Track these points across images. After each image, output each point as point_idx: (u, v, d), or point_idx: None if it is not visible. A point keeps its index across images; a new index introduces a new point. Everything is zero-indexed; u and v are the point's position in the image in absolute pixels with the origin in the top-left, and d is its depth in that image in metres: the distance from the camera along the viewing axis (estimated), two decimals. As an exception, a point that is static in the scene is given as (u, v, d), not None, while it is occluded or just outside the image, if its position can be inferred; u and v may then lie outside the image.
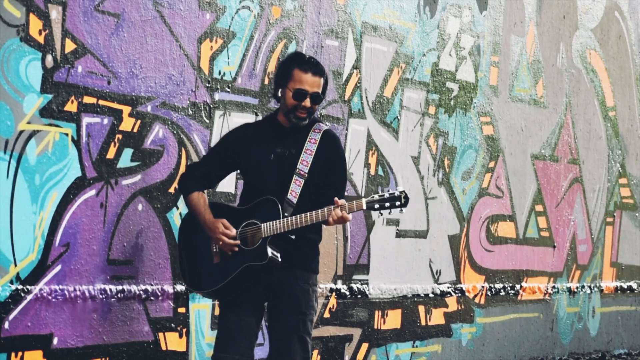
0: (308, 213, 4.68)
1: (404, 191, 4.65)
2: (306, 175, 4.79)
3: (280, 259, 4.75)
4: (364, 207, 4.66)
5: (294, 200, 4.76)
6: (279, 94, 4.85)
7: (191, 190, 4.92)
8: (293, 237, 4.76)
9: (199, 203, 4.88)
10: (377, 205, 4.66)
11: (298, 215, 4.69)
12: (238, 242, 4.77)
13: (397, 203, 4.65)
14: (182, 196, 5.15)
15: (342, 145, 5.00)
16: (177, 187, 5.13)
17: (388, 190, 4.71)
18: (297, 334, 4.79)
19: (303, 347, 4.81)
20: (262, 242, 4.74)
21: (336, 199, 4.66)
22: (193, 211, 4.91)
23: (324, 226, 4.88)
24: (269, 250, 4.72)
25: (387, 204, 4.66)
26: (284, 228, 4.70)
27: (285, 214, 4.72)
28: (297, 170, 4.79)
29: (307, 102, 4.79)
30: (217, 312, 5.89)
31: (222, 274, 4.81)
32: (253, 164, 4.86)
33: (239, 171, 5.17)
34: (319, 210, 4.68)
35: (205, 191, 4.97)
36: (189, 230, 4.98)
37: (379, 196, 4.67)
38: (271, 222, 4.72)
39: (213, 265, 4.85)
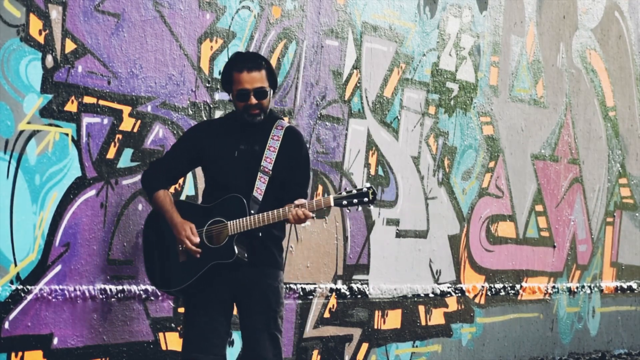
0: (269, 212, 4.71)
1: (371, 187, 4.69)
2: (270, 172, 4.81)
3: (246, 257, 4.77)
4: (332, 203, 4.69)
5: (260, 198, 4.78)
6: (230, 98, 4.94)
7: (156, 188, 4.94)
8: (260, 234, 4.78)
9: (165, 202, 4.90)
10: (345, 202, 4.69)
11: (266, 213, 4.71)
12: (199, 250, 4.78)
13: (365, 199, 4.67)
14: (146, 193, 5.15)
15: (305, 141, 5.04)
16: (141, 183, 5.11)
17: (355, 187, 4.75)
18: (267, 331, 4.81)
19: (274, 344, 4.82)
20: (228, 240, 4.75)
21: (297, 201, 4.68)
22: (159, 210, 4.92)
23: (323, 225, 4.89)
24: (236, 248, 4.73)
25: (355, 200, 4.67)
26: (251, 225, 4.72)
27: (252, 212, 4.74)
28: (262, 167, 4.82)
29: (252, 100, 4.81)
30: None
31: (189, 273, 4.82)
32: (217, 160, 4.87)
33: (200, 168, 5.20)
34: (280, 209, 4.71)
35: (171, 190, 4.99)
36: (154, 228, 4.99)
37: (347, 192, 4.70)
38: (238, 220, 4.74)
39: (179, 264, 4.85)
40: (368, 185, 4.71)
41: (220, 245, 4.77)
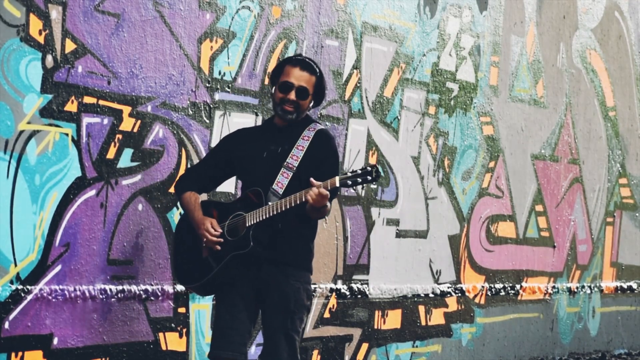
0: (287, 197, 4.68)
1: (375, 165, 4.67)
2: (294, 168, 4.81)
3: (265, 248, 4.75)
4: (337, 184, 4.65)
5: (280, 191, 4.77)
6: (273, 91, 4.91)
7: (184, 191, 4.98)
8: (280, 225, 4.76)
9: (189, 202, 4.94)
10: (350, 182, 4.66)
11: (279, 201, 4.70)
12: (219, 240, 4.79)
13: (369, 177, 4.65)
14: (177, 197, 5.18)
15: (336, 144, 5.02)
16: (174, 187, 5.14)
17: (361, 167, 4.74)
18: (284, 331, 4.79)
19: (290, 345, 4.81)
20: (246, 230, 4.76)
21: (311, 179, 4.65)
22: (185, 209, 4.98)
23: (323, 225, 4.88)
24: (252, 238, 4.73)
25: (359, 179, 4.66)
26: (267, 214, 4.71)
27: (269, 203, 4.73)
28: (286, 163, 4.82)
29: (291, 95, 4.82)
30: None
31: (210, 267, 4.83)
32: (247, 163, 4.90)
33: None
34: (297, 193, 4.67)
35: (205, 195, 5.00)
36: (183, 230, 5.02)
37: (352, 172, 4.68)
38: (255, 211, 4.74)
39: (202, 259, 4.87)
40: (372, 164, 4.72)
41: (239, 237, 4.78)
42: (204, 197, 5.20)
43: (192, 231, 4.93)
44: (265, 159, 4.86)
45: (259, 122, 6.05)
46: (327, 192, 4.64)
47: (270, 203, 4.73)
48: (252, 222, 4.75)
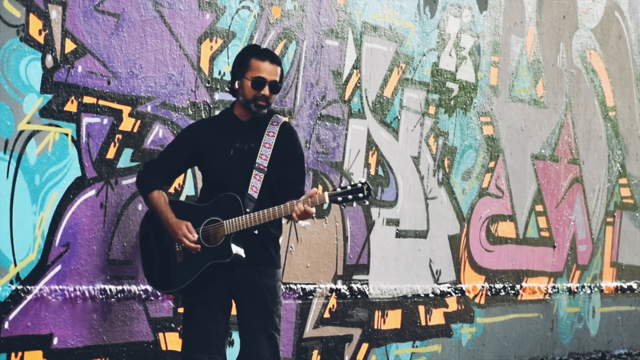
0: (271, 209, 4.68)
1: (366, 182, 4.66)
2: (266, 169, 4.80)
3: (244, 255, 4.76)
4: (327, 200, 4.66)
5: (255, 196, 4.77)
6: (236, 86, 4.87)
7: (151, 189, 4.93)
8: (256, 232, 4.76)
9: (159, 202, 4.89)
10: (340, 198, 4.66)
11: (261, 211, 4.69)
12: (198, 247, 4.78)
13: (360, 195, 4.65)
14: (141, 194, 5.13)
15: (299, 138, 5.03)
16: (136, 184, 5.10)
17: (350, 182, 4.72)
18: (265, 330, 4.80)
19: (272, 344, 4.82)
20: (225, 239, 4.74)
21: (313, 190, 4.68)
22: (154, 210, 4.91)
23: (323, 225, 4.88)
24: (233, 247, 4.72)
25: (350, 196, 4.66)
26: (247, 224, 4.70)
27: (247, 210, 4.73)
28: (257, 164, 4.80)
29: (265, 91, 4.81)
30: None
31: (187, 273, 4.81)
32: (213, 159, 4.86)
33: (197, 167, 5.17)
34: (282, 205, 4.68)
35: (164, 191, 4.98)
36: (150, 229, 4.98)
37: (341, 189, 4.67)
38: (234, 219, 4.72)
39: (177, 264, 4.85)
40: (363, 180, 4.69)
41: (217, 244, 4.76)
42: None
43: (160, 232, 4.88)
44: (232, 156, 4.83)
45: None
46: (314, 210, 4.66)
47: (248, 210, 4.72)
48: (232, 231, 4.73)
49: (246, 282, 4.81)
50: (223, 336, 4.86)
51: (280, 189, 4.83)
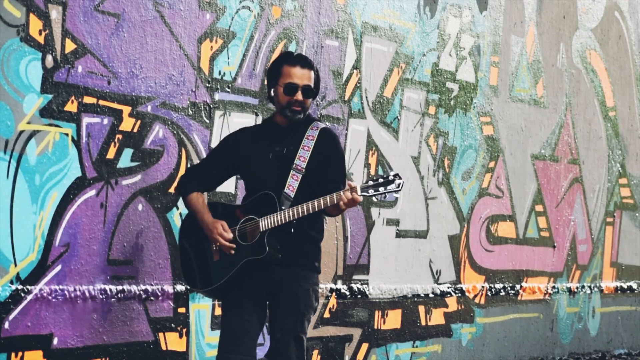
0: (308, 202, 4.66)
1: (397, 174, 4.66)
2: (303, 170, 4.79)
3: (280, 253, 4.75)
4: (359, 192, 4.66)
5: (291, 194, 4.76)
6: (272, 94, 4.88)
7: (189, 191, 4.93)
8: (292, 230, 4.75)
9: (197, 203, 4.90)
10: (371, 191, 4.67)
11: (296, 207, 4.68)
12: (233, 245, 4.78)
13: (391, 187, 4.65)
14: (180, 197, 5.15)
15: (340, 142, 5.01)
16: (175, 188, 5.12)
17: (382, 175, 4.71)
18: (294, 333, 4.79)
19: (299, 347, 4.81)
20: (260, 236, 4.74)
21: (349, 182, 4.65)
22: (192, 211, 4.92)
23: (324, 226, 4.86)
24: (267, 244, 4.72)
25: (381, 189, 4.66)
26: (282, 220, 4.70)
27: (282, 207, 4.72)
28: (294, 165, 4.80)
29: (298, 96, 4.81)
30: (217, 312, 5.89)
31: (223, 271, 4.81)
32: (252, 164, 4.87)
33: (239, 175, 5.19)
34: (319, 198, 4.65)
35: (205, 193, 4.98)
36: (189, 231, 4.99)
37: (374, 181, 4.67)
38: (270, 216, 4.72)
39: (214, 263, 4.86)
40: (394, 172, 4.69)
41: (253, 242, 4.76)
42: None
43: (199, 234, 4.89)
44: (271, 160, 4.84)
45: (259, 122, 6.04)
46: (361, 198, 4.64)
47: (283, 207, 4.72)
48: (268, 228, 4.73)
49: (280, 283, 4.80)
50: (254, 337, 4.83)
51: (320, 187, 4.80)
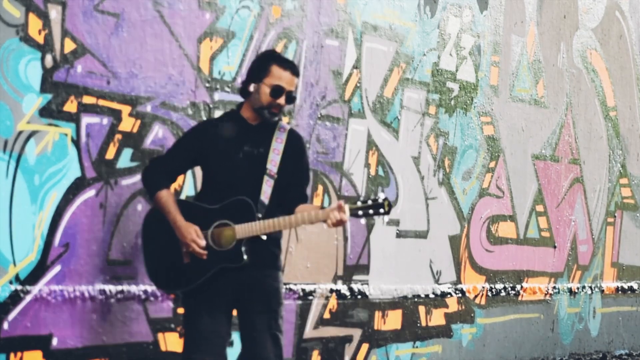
0: (292, 216, 4.71)
1: (386, 198, 4.67)
2: (275, 175, 4.80)
3: (251, 257, 4.76)
4: (347, 212, 4.68)
5: (266, 202, 4.77)
6: (251, 89, 4.84)
7: (158, 188, 4.86)
8: (265, 238, 4.76)
9: (168, 202, 4.83)
10: (360, 212, 4.70)
11: (277, 219, 4.70)
12: (206, 252, 4.75)
13: (381, 210, 4.68)
14: (147, 192, 5.08)
15: (305, 144, 5.07)
16: (142, 182, 5.04)
17: (370, 197, 4.73)
18: (269, 331, 4.80)
19: (276, 345, 4.82)
20: (237, 243, 4.73)
21: (340, 202, 4.66)
22: (162, 209, 4.85)
23: (324, 227, 4.86)
24: (244, 252, 4.72)
25: (371, 211, 4.69)
26: (261, 231, 4.70)
27: (259, 216, 4.72)
28: (267, 170, 4.80)
29: (282, 100, 4.81)
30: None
31: (195, 274, 4.78)
32: (221, 161, 4.83)
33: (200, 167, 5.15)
34: (305, 213, 4.71)
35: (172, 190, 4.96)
36: (155, 228, 4.92)
37: (362, 203, 4.69)
38: (248, 224, 4.71)
39: (184, 265, 4.82)
40: (383, 196, 4.70)
41: (228, 248, 4.75)
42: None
43: (166, 232, 4.83)
44: (241, 160, 4.82)
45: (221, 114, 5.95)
46: (347, 218, 4.67)
47: (260, 216, 4.72)
48: (245, 236, 4.72)
49: (251, 284, 4.81)
50: (225, 337, 4.86)
51: (286, 191, 4.83)
